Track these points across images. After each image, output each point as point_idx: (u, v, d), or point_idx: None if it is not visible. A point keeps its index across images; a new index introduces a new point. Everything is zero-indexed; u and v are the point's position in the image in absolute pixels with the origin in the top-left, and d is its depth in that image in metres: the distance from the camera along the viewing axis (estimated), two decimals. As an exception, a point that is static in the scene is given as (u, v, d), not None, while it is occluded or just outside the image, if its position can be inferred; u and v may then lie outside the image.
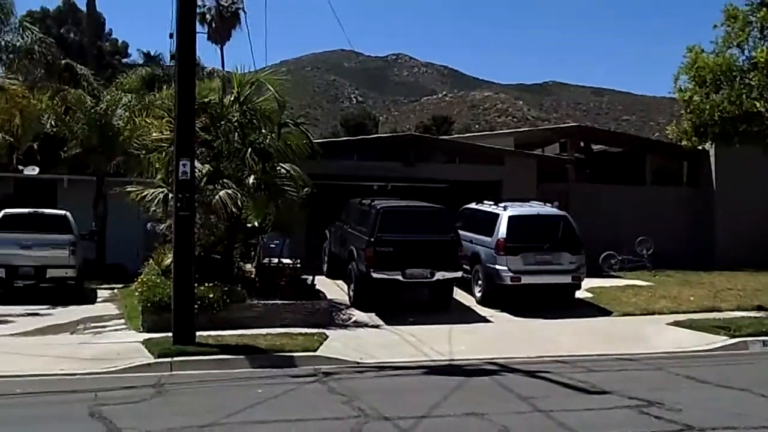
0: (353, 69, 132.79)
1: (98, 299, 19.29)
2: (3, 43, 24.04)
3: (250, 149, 15.86)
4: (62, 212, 20.29)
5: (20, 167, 29.39)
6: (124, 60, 48.19)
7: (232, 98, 16.36)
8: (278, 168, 16.11)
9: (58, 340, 13.71)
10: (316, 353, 12.53)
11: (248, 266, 17.62)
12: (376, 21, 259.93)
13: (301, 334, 13.70)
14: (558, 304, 17.63)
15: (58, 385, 10.38)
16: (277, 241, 18.06)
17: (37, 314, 16.43)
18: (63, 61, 27.85)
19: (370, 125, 70.57)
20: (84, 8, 44.39)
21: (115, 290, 20.29)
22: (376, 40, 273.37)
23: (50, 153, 29.37)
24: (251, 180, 15.73)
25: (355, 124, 68.30)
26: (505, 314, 16.91)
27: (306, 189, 16.52)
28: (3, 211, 19.71)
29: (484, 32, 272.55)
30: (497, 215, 18.03)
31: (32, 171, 27.62)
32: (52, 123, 25.73)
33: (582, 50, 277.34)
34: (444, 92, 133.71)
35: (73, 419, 8.44)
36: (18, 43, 24.16)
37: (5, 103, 24.13)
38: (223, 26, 53.02)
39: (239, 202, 15.31)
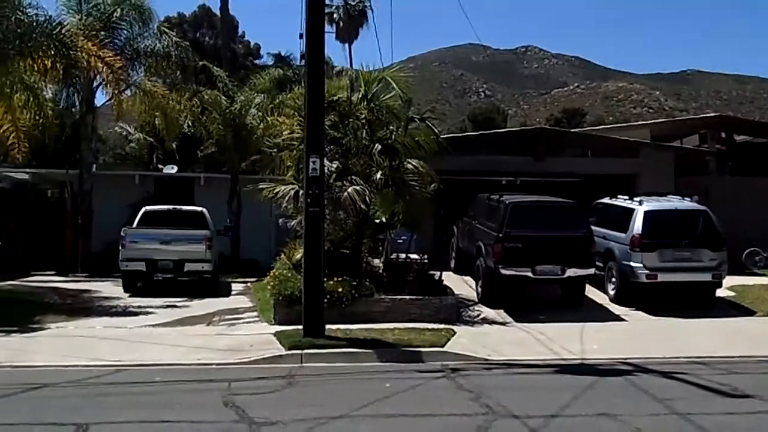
0: (481, 63, 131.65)
1: (232, 292, 19.97)
2: (143, 47, 25.27)
3: (377, 146, 15.95)
4: (199, 209, 21.12)
5: (160, 166, 30.88)
6: (256, 61, 49.65)
7: (360, 96, 16.50)
8: (405, 164, 16.12)
9: (195, 330, 14.28)
10: (444, 349, 12.46)
11: (376, 261, 17.76)
12: (504, 14, 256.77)
13: (428, 329, 13.67)
14: (697, 303, 16.81)
15: (195, 374, 10.78)
16: (405, 237, 18.10)
17: (175, 306, 17.16)
18: (200, 63, 28.98)
19: (499, 119, 69.80)
20: (218, 12, 46.10)
21: (248, 284, 20.94)
22: (504, 33, 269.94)
23: (188, 152, 30.71)
24: (379, 176, 15.82)
25: (483, 118, 67.70)
26: (639, 313, 16.30)
27: (433, 185, 16.47)
28: (144, 208, 20.74)
29: (617, 20, 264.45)
30: (632, 210, 17.38)
31: (171, 170, 28.91)
32: (190, 123, 26.86)
33: (723, 36, 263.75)
34: (575, 84, 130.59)
35: (208, 407, 8.71)
36: (156, 48, 25.33)
37: (147, 105, 25.33)
38: (351, 25, 53.77)
39: (367, 198, 15.43)
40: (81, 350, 12.20)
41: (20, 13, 18.55)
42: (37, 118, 20.85)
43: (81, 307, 17.31)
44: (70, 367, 11.10)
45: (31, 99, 20.55)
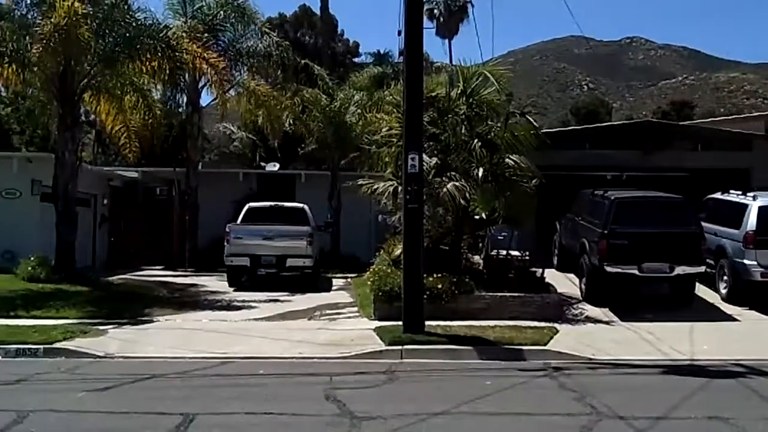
0: (584, 55, 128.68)
1: (333, 287, 20.19)
2: (245, 48, 25.86)
3: (477, 141, 15.79)
4: (300, 205, 21.45)
5: (262, 164, 31.55)
6: (355, 59, 50.07)
7: (459, 91, 16.37)
8: (506, 159, 15.91)
9: (297, 325, 14.48)
10: (546, 347, 12.22)
11: (476, 258, 17.60)
12: (607, 4, 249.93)
13: (530, 327, 13.45)
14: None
15: (297, 367, 10.92)
16: (505, 233, 17.87)
17: (277, 300, 17.46)
18: (302, 62, 29.46)
19: (603, 113, 68.07)
20: (318, 12, 46.73)
21: (348, 279, 21.13)
22: (607, 24, 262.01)
23: (289, 150, 31.25)
24: (478, 172, 15.65)
25: (586, 112, 66.14)
26: (753, 312, 15.57)
27: (534, 180, 16.19)
28: (248, 205, 21.21)
29: (726, 8, 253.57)
30: (745, 206, 16.62)
31: (273, 167, 29.51)
32: (291, 121, 27.30)
33: None
34: (684, 75, 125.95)
35: (309, 400, 8.81)
36: (258, 48, 25.87)
37: (250, 104, 25.89)
38: (451, 20, 53.58)
39: (467, 195, 15.30)
40: (188, 342, 12.56)
41: (129, 18, 19.28)
42: (146, 118, 21.62)
43: (188, 300, 17.85)
44: (178, 359, 11.45)
45: (141, 100, 21.33)
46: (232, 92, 25.86)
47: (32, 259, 18.80)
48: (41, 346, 12.07)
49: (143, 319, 14.95)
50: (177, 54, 18.92)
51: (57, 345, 12.14)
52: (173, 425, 7.47)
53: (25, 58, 18.33)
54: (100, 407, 8.32)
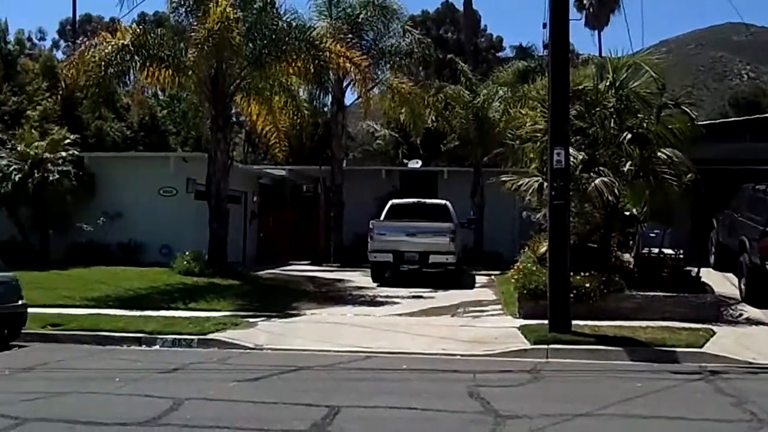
0: (743, 43, 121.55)
1: (476, 285, 20.02)
2: (387, 46, 26.11)
3: (626, 135, 15.20)
4: (443, 202, 21.42)
5: (405, 161, 31.75)
6: (498, 54, 49.59)
7: (607, 83, 15.83)
8: (658, 153, 15.23)
9: (439, 321, 14.44)
10: (702, 350, 11.58)
11: (626, 256, 16.95)
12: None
13: (684, 328, 12.79)
14: None
15: (440, 363, 10.87)
16: (657, 231, 17.13)
17: (420, 297, 17.49)
18: (448, 56, 29.48)
19: (765, 103, 64.15)
20: (461, 8, 46.55)
21: (492, 276, 20.89)
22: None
23: (431, 147, 31.30)
24: (628, 167, 15.09)
25: (746, 103, 62.53)
26: None
27: (689, 175, 15.41)
28: (391, 201, 21.39)
29: None
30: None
31: (416, 164, 29.64)
32: (433, 118, 27.35)
33: None
34: None
35: (452, 396, 8.73)
36: (400, 46, 26.05)
37: (393, 101, 26.12)
38: (601, 11, 52.09)
39: (616, 191, 14.76)
40: (333, 336, 12.78)
41: (277, 20, 19.87)
42: (294, 118, 22.26)
43: (333, 295, 18.20)
44: (323, 352, 11.67)
45: (289, 101, 21.98)
46: (375, 90, 26.22)
47: (187, 254, 19.71)
48: (195, 337, 12.62)
49: (291, 312, 15.34)
50: (321, 54, 19.34)
51: (210, 336, 12.66)
52: (319, 417, 7.58)
53: (180, 63, 19.26)
54: (250, 397, 8.57)
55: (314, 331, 13.34)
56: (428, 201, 21.49)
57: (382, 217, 20.80)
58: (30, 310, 13.12)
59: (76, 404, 8.25)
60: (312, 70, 19.63)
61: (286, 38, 19.34)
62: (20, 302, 12.91)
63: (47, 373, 10.36)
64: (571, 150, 13.31)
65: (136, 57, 18.96)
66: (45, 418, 7.48)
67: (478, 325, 13.86)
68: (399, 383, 9.74)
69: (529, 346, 11.85)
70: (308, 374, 10.22)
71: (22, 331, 12.93)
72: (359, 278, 20.89)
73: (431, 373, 10.26)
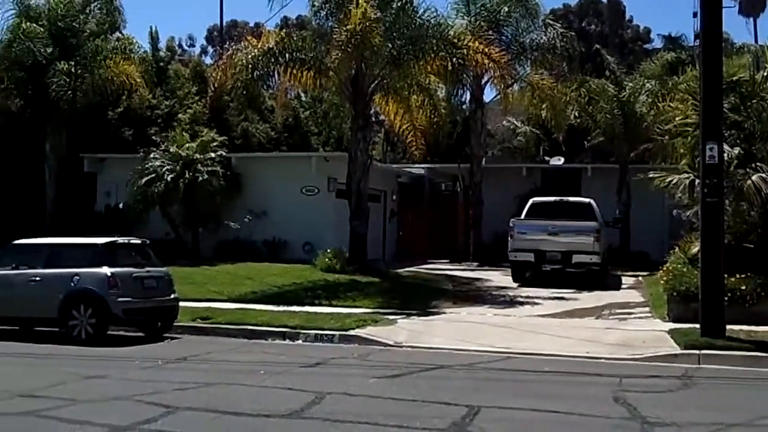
0: None
1: (622, 286, 19.36)
2: (528, 42, 25.64)
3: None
4: (587, 200, 20.82)
5: (546, 158, 31.11)
6: (645, 45, 47.71)
7: (765, 74, 14.90)
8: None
9: (582, 323, 14.02)
10: None
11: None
12: None
13: None
14: None
15: (583, 366, 10.54)
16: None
17: (563, 298, 17.06)
18: (594, 47, 28.66)
19: None
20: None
21: (639, 277, 20.15)
22: None
23: (574, 143, 30.51)
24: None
25: None
26: None
27: None
28: (532, 200, 20.99)
29: None
30: None
31: (558, 161, 28.98)
32: (576, 114, 26.63)
33: None
34: None
35: (596, 401, 8.42)
36: (541, 41, 25.53)
37: (534, 97, 25.65)
38: (759, -5, 49.25)
39: (776, 187, 13.86)
40: (472, 335, 12.66)
41: (415, 20, 19.90)
42: (431, 116, 22.26)
43: (472, 294, 18.06)
44: (462, 351, 11.58)
45: (426, 99, 22.00)
46: (515, 87, 25.84)
47: (328, 251, 20.11)
48: (337, 333, 12.83)
49: (430, 310, 15.34)
50: (459, 51, 19.23)
51: (351, 332, 12.83)
52: (459, 416, 7.49)
53: (321, 64, 19.65)
54: (389, 393, 8.59)
55: (454, 329, 13.27)
56: (571, 199, 20.93)
57: (522, 216, 20.43)
58: (181, 303, 13.77)
59: (223, 395, 8.54)
60: (450, 69, 19.59)
61: (424, 37, 19.35)
62: (173, 296, 13.57)
63: (197, 364, 10.80)
64: (725, 145, 12.65)
65: (279, 60, 19.49)
66: (194, 407, 7.77)
67: (625, 328, 13.36)
68: (540, 385, 9.50)
69: (679, 350, 11.30)
70: (448, 373, 10.15)
71: (174, 323, 13.57)
72: (499, 278, 20.65)
73: (574, 376, 9.95)
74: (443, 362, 10.70)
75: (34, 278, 13.05)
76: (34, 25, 23.59)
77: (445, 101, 25.22)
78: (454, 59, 19.21)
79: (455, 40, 19.51)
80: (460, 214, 27.40)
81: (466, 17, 25.43)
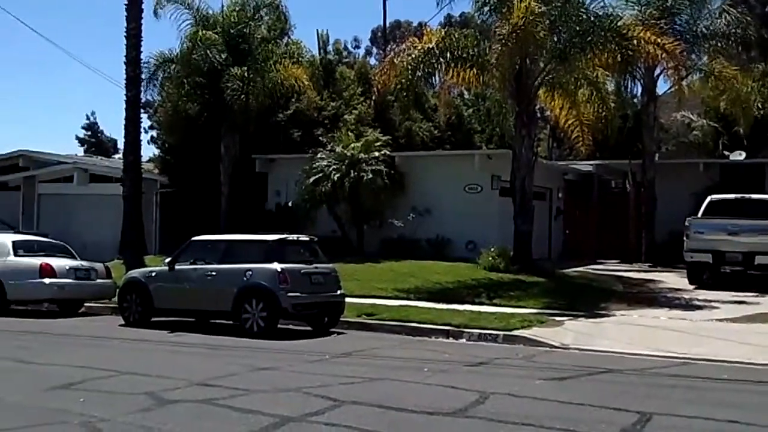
0: None
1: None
2: (701, 29, 24.22)
3: None
4: (773, 197, 19.44)
5: (726, 153, 29.31)
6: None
7: None
8: None
9: (765, 329, 13.09)
10: None
11: None
12: None
13: None
14: None
15: (765, 375, 9.82)
16: None
17: (743, 302, 16.10)
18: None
19: None
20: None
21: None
22: None
23: (757, 137, 28.56)
24: None
25: None
26: None
27: None
28: (709, 197, 19.85)
29: None
30: None
31: (739, 156, 27.26)
32: (759, 105, 24.95)
33: None
34: None
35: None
36: (718, 28, 24.06)
37: (712, 89, 24.27)
38: None
39: None
40: (644, 339, 12.15)
41: (581, 12, 19.32)
42: (599, 111, 21.53)
43: (644, 296, 17.33)
44: (633, 355, 11.11)
45: (594, 93, 21.30)
46: (690, 78, 24.52)
47: (492, 250, 19.92)
48: (501, 333, 12.66)
49: (599, 312, 14.86)
50: (629, 43, 18.53)
51: (515, 333, 12.62)
52: (629, 423, 7.15)
53: (484, 61, 19.48)
54: (555, 396, 8.34)
55: (624, 332, 12.77)
56: (754, 196, 19.59)
57: (699, 214, 19.35)
58: (347, 300, 14.05)
59: (388, 391, 8.60)
60: (619, 61, 18.91)
61: (591, 30, 18.77)
62: (339, 292, 13.90)
63: (362, 359, 10.96)
64: None
65: (441, 59, 19.51)
66: (359, 402, 7.86)
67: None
68: (719, 393, 8.91)
69: None
70: (617, 377, 9.73)
71: (340, 319, 13.87)
72: (673, 279, 19.75)
73: (757, 385, 9.27)
74: (612, 366, 10.28)
75: (210, 273, 13.75)
76: (210, 33, 24.84)
77: (614, 95, 24.35)
78: (624, 51, 18.55)
79: (624, 32, 18.78)
80: (630, 212, 26.39)
81: (636, 7, 24.41)
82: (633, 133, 28.23)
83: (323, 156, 23.72)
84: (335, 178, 22.90)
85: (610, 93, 23.26)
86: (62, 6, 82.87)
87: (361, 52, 55.67)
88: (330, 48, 33.24)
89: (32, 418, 7.06)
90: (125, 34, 23.43)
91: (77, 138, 56.17)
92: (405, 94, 20.53)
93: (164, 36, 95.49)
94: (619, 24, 19.24)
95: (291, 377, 9.39)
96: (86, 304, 16.94)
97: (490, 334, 12.71)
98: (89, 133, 56.29)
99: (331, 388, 8.49)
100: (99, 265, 17.22)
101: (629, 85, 25.52)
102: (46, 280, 15.96)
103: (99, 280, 16.83)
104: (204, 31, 24.69)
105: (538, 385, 9.06)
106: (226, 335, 12.92)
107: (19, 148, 31.03)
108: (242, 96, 24.53)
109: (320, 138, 25.78)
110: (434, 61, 19.50)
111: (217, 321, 14.00)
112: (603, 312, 14.88)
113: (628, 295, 17.49)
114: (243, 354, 11.20)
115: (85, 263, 17.04)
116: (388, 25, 50.73)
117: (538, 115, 25.39)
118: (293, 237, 14.42)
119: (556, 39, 19.24)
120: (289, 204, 24.98)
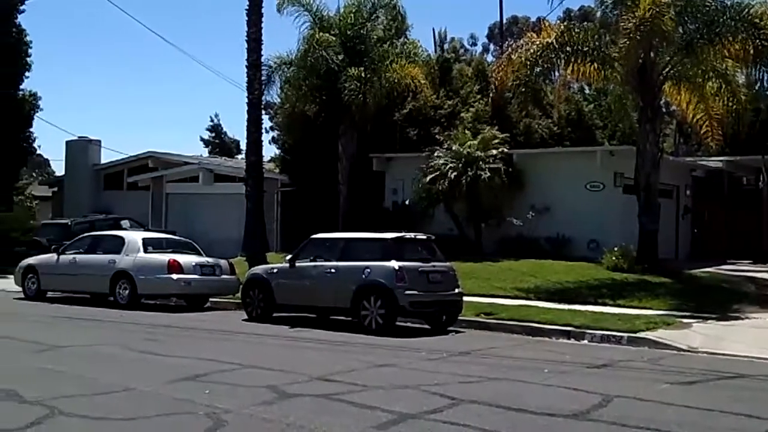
0: None
1: None
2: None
3: None
4: None
5: None
6: None
7: None
8: None
9: None
10: None
11: None
12: None
13: None
14: None
15: None
16: None
17: None
18: None
19: None
20: None
21: None
22: None
23: None
24: None
25: None
26: None
27: None
28: None
29: None
30: None
31: None
32: None
33: None
34: None
35: None
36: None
37: None
38: None
39: None
40: (778, 343, 11.50)
41: (710, 1, 18.50)
42: (729, 104, 20.54)
43: (777, 298, 16.43)
44: (766, 360, 10.57)
45: (723, 86, 20.34)
46: None
47: (615, 249, 19.37)
48: (625, 334, 12.29)
49: (729, 315, 14.29)
50: (762, 32, 17.61)
51: (640, 334, 12.23)
52: (761, 430, 6.79)
53: (605, 56, 18.96)
54: (682, 401, 8.00)
55: (757, 336, 12.18)
56: None
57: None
58: (465, 298, 13.97)
59: (507, 390, 8.47)
60: (751, 52, 17.97)
61: (720, 20, 17.96)
62: (457, 291, 13.83)
63: (480, 358, 10.86)
64: None
65: (560, 54, 19.13)
66: (477, 401, 7.77)
67: None
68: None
69: None
70: (748, 383, 9.27)
71: (458, 317, 13.80)
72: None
73: None
74: (744, 371, 9.80)
75: (330, 270, 13.96)
76: (327, 34, 25.21)
77: (745, 87, 23.16)
78: (756, 41, 17.64)
79: (756, 20, 17.87)
80: (764, 210, 25.09)
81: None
82: (766, 128, 26.83)
83: (440, 154, 23.66)
84: (452, 176, 22.80)
85: (740, 85, 22.14)
86: (187, 13, 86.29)
87: (478, 49, 55.20)
88: (447, 46, 33.13)
89: (162, 407, 7.34)
90: (246, 38, 24.12)
91: (202, 139, 58.32)
92: (523, 90, 20.23)
93: (282, 39, 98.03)
94: (750, 12, 18.33)
95: (409, 374, 9.41)
96: (211, 299, 17.50)
97: (613, 336, 12.35)
98: (213, 134, 58.25)
99: (450, 387, 8.44)
100: (223, 262, 17.77)
101: (763, 77, 24.20)
102: (174, 276, 16.59)
103: (223, 276, 17.38)
104: (321, 34, 25.08)
105: (665, 389, 8.72)
106: (344, 331, 13.08)
107: (147, 149, 32.63)
108: (359, 96, 24.78)
109: (437, 136, 25.73)
110: (553, 56, 19.14)
111: (337, 317, 14.21)
112: (734, 314, 14.24)
113: (763, 297, 16.62)
114: (361, 350, 11.30)
115: (210, 260, 17.61)
116: (504, 21, 50.18)
117: (663, 109, 24.50)
118: (411, 235, 14.45)
119: (682, 30, 18.52)
120: (406, 202, 25.07)
